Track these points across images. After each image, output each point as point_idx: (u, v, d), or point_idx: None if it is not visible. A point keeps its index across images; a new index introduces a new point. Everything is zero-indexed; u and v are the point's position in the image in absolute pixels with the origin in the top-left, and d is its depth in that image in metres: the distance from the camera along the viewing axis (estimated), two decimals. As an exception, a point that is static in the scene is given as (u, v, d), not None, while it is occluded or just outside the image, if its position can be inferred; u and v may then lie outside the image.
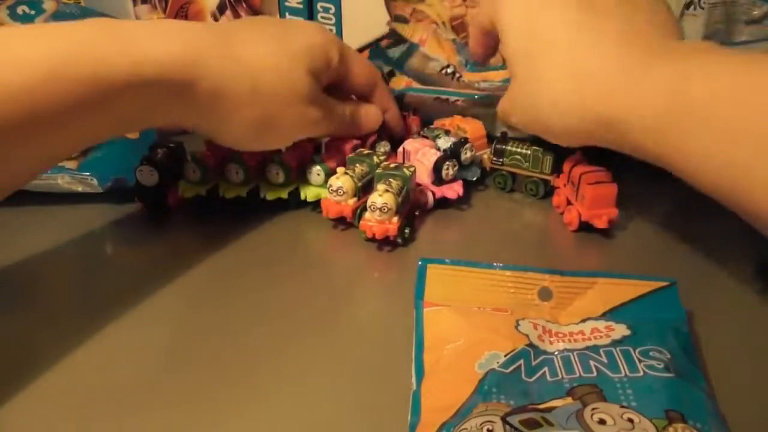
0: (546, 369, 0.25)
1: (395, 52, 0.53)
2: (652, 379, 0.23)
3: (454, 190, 0.42)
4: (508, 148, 0.44)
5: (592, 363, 0.25)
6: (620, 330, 0.27)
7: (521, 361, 0.25)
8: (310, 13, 0.58)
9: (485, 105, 0.48)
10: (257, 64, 0.35)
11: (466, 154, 0.43)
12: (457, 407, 0.23)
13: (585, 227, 0.39)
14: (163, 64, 0.31)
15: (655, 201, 0.43)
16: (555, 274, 0.29)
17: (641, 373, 0.24)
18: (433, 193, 0.42)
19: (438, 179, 0.41)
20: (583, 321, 0.28)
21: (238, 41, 0.35)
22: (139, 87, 0.31)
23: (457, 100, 0.49)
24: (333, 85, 0.41)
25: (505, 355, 0.25)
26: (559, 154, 0.42)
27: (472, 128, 0.46)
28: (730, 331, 0.30)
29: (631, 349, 0.25)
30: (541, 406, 0.23)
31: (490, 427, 0.21)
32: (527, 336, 0.27)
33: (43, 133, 0.29)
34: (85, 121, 0.30)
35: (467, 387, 0.24)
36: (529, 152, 0.43)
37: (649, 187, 0.45)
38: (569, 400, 0.23)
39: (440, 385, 0.25)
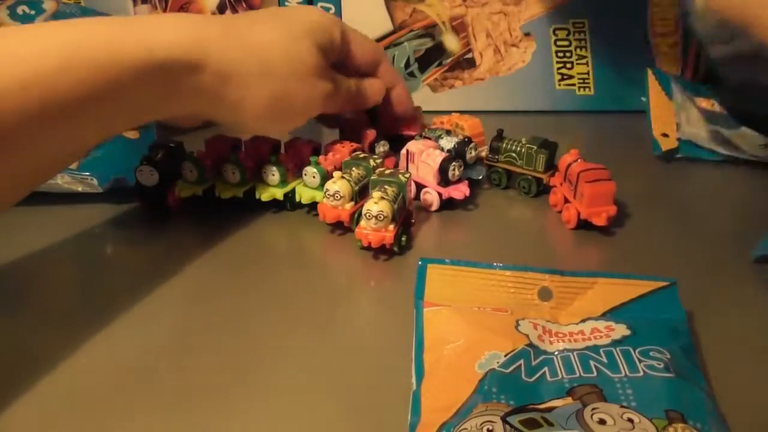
0: (546, 369, 0.25)
1: None
2: (652, 379, 0.23)
3: (460, 191, 0.41)
4: (504, 145, 0.44)
5: (592, 363, 0.25)
6: (620, 330, 0.27)
7: (521, 361, 0.25)
8: (309, 13, 0.58)
9: None
10: (263, 46, 0.36)
11: (471, 154, 0.43)
12: (457, 407, 0.23)
13: (583, 225, 0.39)
14: (171, 48, 0.32)
15: (655, 201, 0.43)
16: (555, 274, 0.29)
17: (641, 373, 0.24)
18: (440, 195, 0.41)
19: (444, 180, 0.41)
20: (583, 321, 0.28)
21: (242, 27, 0.36)
22: (151, 72, 0.32)
23: None
24: (337, 64, 0.42)
25: (505, 355, 0.25)
26: (552, 153, 0.43)
27: (470, 125, 0.46)
28: (730, 331, 0.30)
29: (631, 349, 0.25)
30: (541, 406, 0.23)
31: (490, 427, 0.21)
32: (527, 336, 0.27)
33: (59, 123, 0.30)
34: (99, 109, 0.31)
35: (467, 387, 0.24)
36: (523, 150, 0.43)
37: (649, 187, 0.45)
38: (569, 400, 0.23)
39: (440, 385, 0.25)
